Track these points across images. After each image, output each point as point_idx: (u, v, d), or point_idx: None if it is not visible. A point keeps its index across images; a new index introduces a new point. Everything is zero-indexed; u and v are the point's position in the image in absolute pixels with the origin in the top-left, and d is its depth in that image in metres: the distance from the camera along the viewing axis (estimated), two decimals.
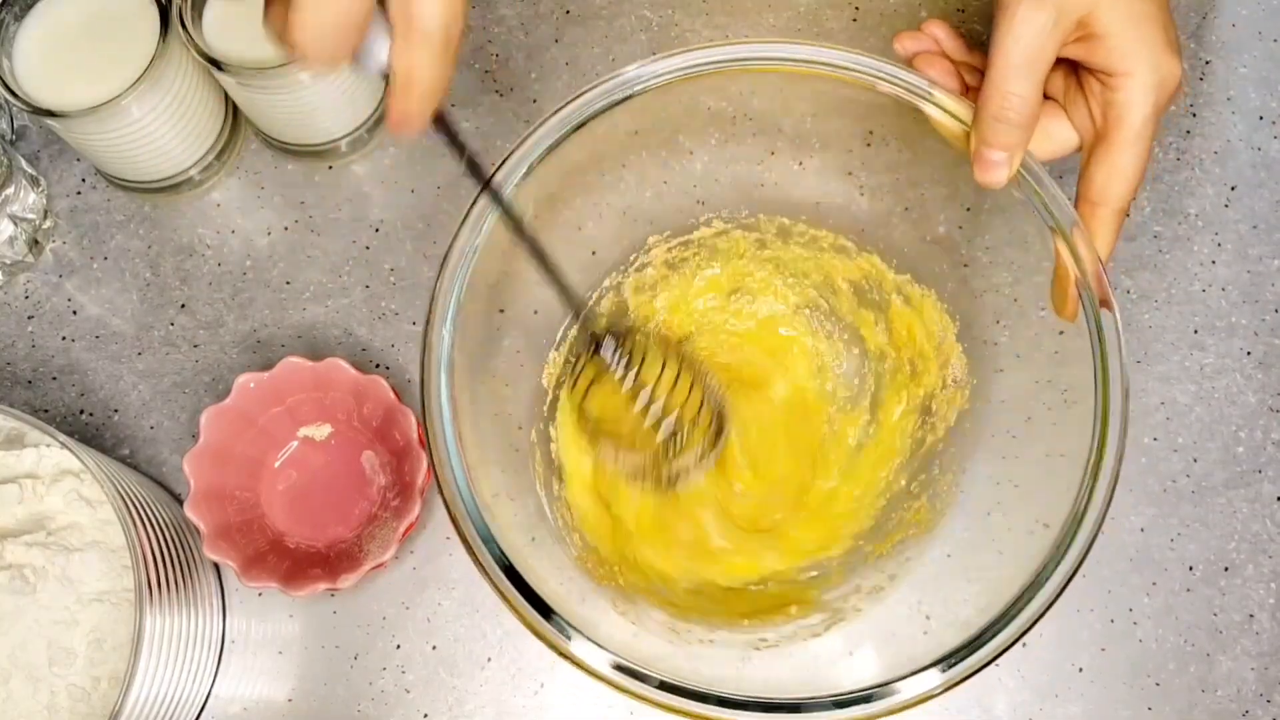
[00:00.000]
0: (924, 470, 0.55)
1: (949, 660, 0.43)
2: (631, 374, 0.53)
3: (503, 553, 0.43)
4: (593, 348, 0.53)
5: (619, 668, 0.42)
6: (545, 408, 0.55)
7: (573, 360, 0.55)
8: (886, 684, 0.43)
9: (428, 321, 0.46)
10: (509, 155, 0.48)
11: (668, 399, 0.53)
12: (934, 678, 0.42)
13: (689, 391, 0.53)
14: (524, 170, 0.48)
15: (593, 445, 0.55)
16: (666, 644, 0.49)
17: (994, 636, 0.43)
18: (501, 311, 0.51)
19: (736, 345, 0.61)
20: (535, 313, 0.54)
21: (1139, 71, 0.47)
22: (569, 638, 0.43)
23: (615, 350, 0.53)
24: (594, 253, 0.57)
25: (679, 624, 0.51)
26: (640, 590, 0.53)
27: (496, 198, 0.46)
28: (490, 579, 0.43)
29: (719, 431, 0.54)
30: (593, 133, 0.49)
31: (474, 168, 0.45)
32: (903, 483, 0.55)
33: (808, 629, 0.50)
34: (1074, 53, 0.48)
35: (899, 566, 0.52)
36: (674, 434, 0.53)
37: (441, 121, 0.41)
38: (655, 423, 0.53)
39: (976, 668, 0.42)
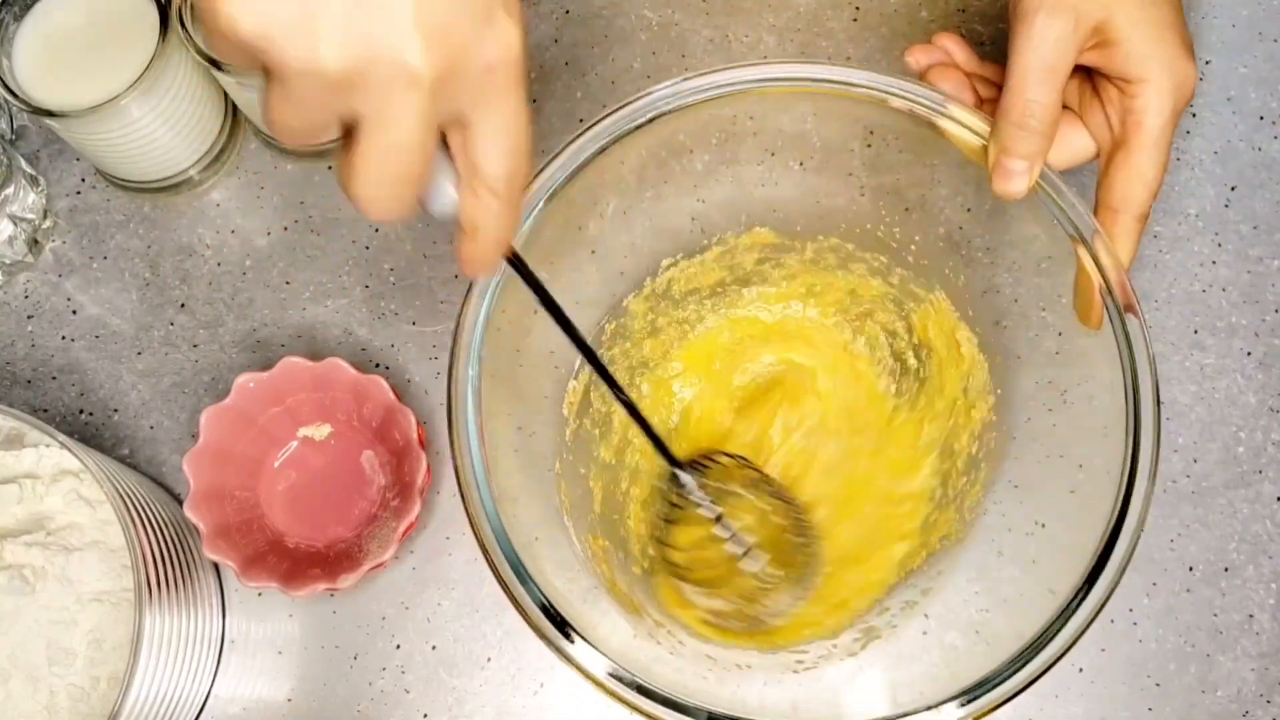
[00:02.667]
0: (953, 481, 0.55)
1: (969, 694, 0.42)
2: (717, 510, 0.52)
3: (517, 557, 0.43)
4: (674, 481, 0.52)
5: (616, 676, 0.42)
6: (567, 436, 0.55)
7: (662, 502, 0.54)
8: (899, 717, 0.42)
9: (454, 342, 0.46)
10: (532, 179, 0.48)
11: (756, 532, 0.51)
12: (951, 713, 0.42)
13: (777, 521, 0.52)
14: (547, 196, 0.48)
15: (679, 583, 0.53)
16: (667, 653, 0.49)
17: (1020, 669, 0.42)
18: (518, 350, 0.51)
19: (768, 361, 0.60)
20: (551, 352, 0.54)
21: (1156, 77, 0.47)
22: (570, 639, 0.43)
23: (698, 485, 0.52)
24: (622, 273, 0.57)
25: (718, 649, 0.50)
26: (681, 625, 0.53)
27: (586, 350, 0.45)
28: (515, 600, 0.43)
29: (809, 563, 0.53)
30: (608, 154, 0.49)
31: (548, 304, 0.43)
32: (935, 493, 0.55)
33: (844, 648, 0.50)
34: (1090, 60, 0.48)
35: (931, 580, 0.51)
36: (762, 568, 0.52)
37: (514, 260, 0.41)
38: (743, 555, 0.52)
39: (997, 703, 0.42)
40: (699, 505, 0.52)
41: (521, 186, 0.38)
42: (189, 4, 0.57)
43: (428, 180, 0.37)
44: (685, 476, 0.52)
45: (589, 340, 0.56)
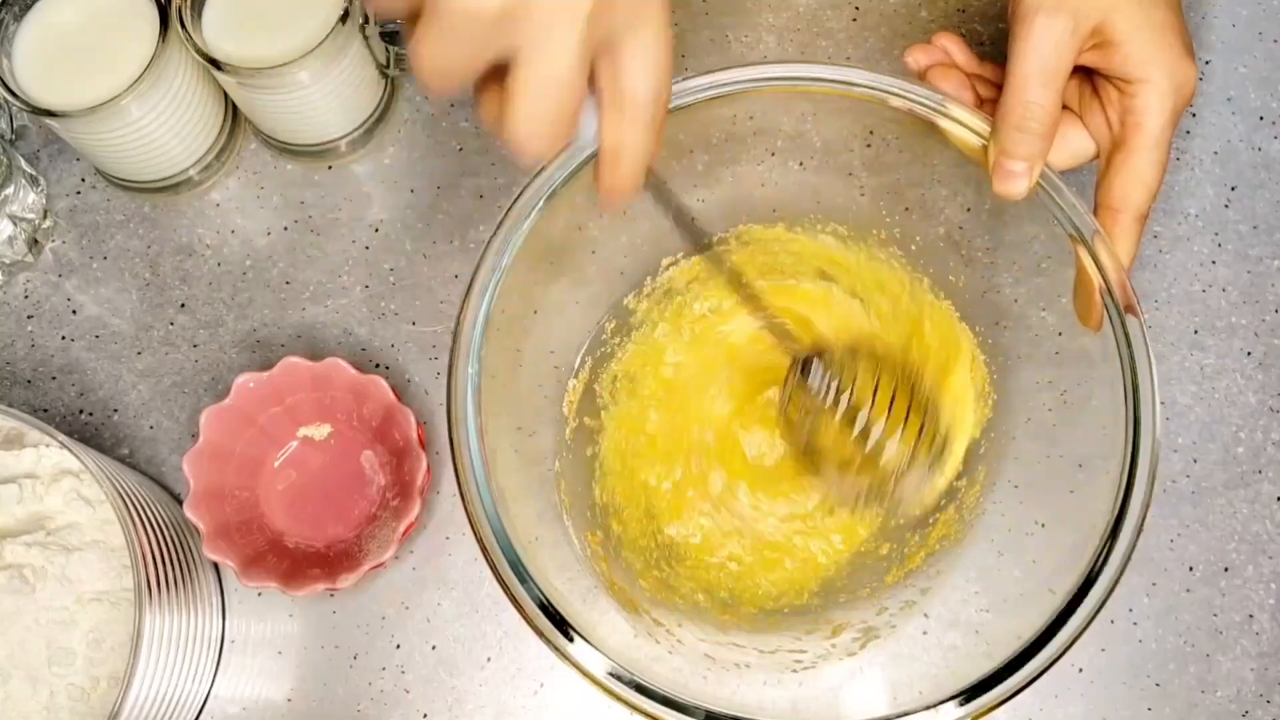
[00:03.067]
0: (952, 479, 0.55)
1: (968, 694, 0.42)
2: (845, 397, 0.50)
3: (517, 556, 0.43)
4: (798, 374, 0.51)
5: (616, 675, 0.42)
6: (567, 436, 0.55)
7: (784, 393, 0.53)
8: (898, 717, 0.42)
9: (454, 339, 0.46)
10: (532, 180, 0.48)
11: (886, 417, 0.50)
12: (950, 712, 0.42)
13: (904, 401, 0.51)
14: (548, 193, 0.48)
15: (815, 479, 0.53)
16: (667, 652, 0.49)
17: (1019, 669, 0.42)
18: (518, 350, 0.51)
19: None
20: (551, 352, 0.54)
21: (1156, 77, 0.47)
22: (570, 639, 0.43)
23: (823, 374, 0.50)
24: (622, 273, 0.57)
25: (717, 648, 0.50)
26: (682, 612, 0.53)
27: (712, 253, 0.45)
28: (516, 601, 0.43)
29: (941, 438, 0.52)
30: None
31: (683, 222, 0.43)
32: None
33: (843, 648, 0.50)
34: (1090, 60, 0.48)
35: (931, 580, 0.51)
36: (895, 450, 0.51)
37: (652, 181, 0.40)
38: (878, 444, 0.50)
39: (996, 703, 0.42)
40: (828, 397, 0.50)
41: (664, 111, 0.38)
42: (189, 3, 0.57)
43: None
44: (814, 369, 0.50)
45: (591, 339, 0.56)
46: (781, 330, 0.50)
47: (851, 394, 0.50)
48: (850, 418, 0.50)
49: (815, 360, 0.50)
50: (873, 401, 0.50)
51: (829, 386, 0.50)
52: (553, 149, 0.36)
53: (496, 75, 0.35)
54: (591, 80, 0.37)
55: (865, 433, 0.50)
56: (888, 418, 0.50)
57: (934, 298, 0.56)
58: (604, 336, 0.56)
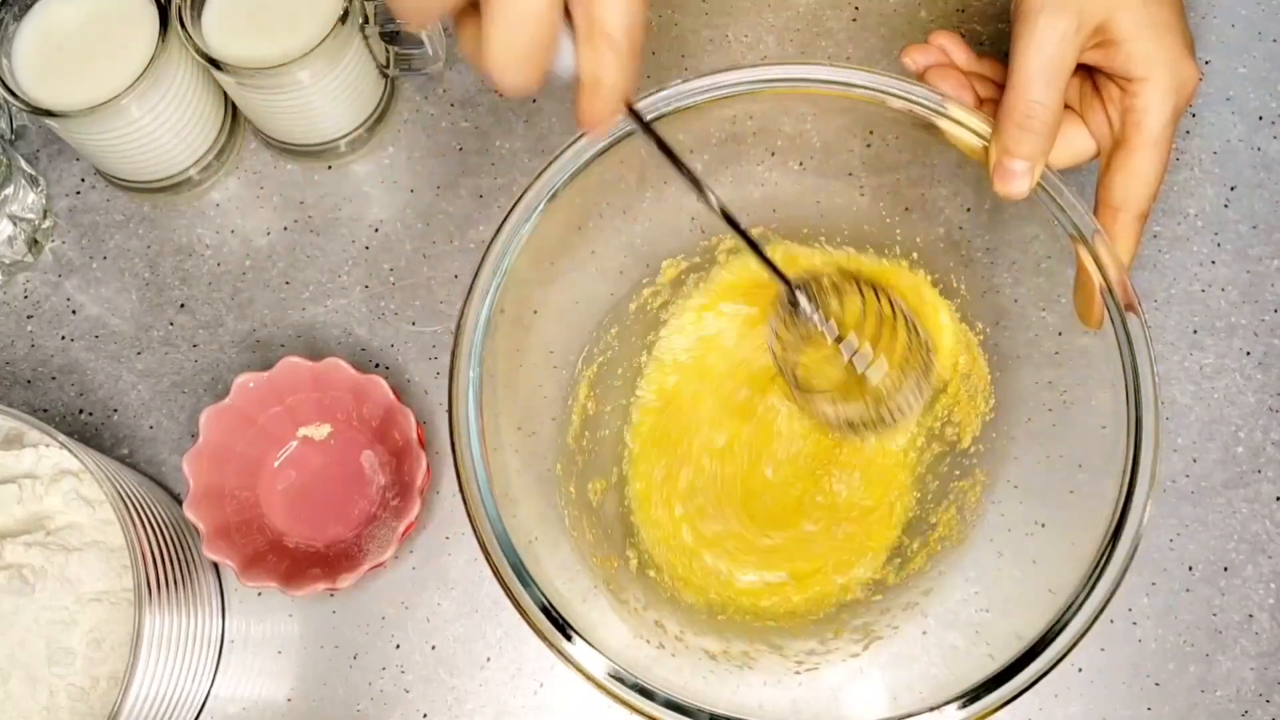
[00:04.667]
0: (952, 479, 0.55)
1: (969, 696, 0.42)
2: (832, 323, 0.51)
3: (519, 558, 0.43)
4: (788, 304, 0.51)
5: (616, 677, 0.42)
6: (569, 436, 0.55)
7: (774, 325, 0.53)
8: (899, 719, 0.42)
9: (457, 335, 0.46)
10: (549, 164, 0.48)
11: (873, 339, 0.51)
12: (951, 714, 0.42)
13: (889, 325, 0.51)
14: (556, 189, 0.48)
15: (806, 406, 0.54)
16: (669, 654, 0.49)
17: (1020, 670, 0.42)
18: (519, 350, 0.51)
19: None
20: (551, 352, 0.54)
21: (1157, 76, 0.47)
22: (570, 639, 0.43)
23: (810, 302, 0.51)
24: (621, 272, 0.57)
25: (718, 649, 0.50)
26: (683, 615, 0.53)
27: (702, 189, 0.45)
28: (517, 602, 0.43)
29: (924, 356, 0.53)
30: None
31: (666, 151, 0.44)
32: (931, 489, 0.55)
33: (845, 649, 0.50)
34: (1092, 59, 0.48)
35: (932, 581, 0.51)
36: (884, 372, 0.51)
37: (632, 112, 0.42)
38: (866, 367, 0.51)
39: (998, 705, 0.42)
40: (817, 326, 0.51)
41: (639, 39, 0.38)
42: (189, 3, 0.57)
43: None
44: (802, 300, 0.50)
45: (593, 338, 0.56)
46: (769, 261, 0.50)
47: (839, 320, 0.51)
48: (839, 341, 0.51)
49: (802, 289, 0.51)
50: (862, 326, 0.51)
51: (817, 313, 0.51)
52: (529, 80, 0.37)
53: (475, 7, 0.36)
54: (569, 12, 0.38)
55: (856, 353, 0.50)
56: (876, 341, 0.50)
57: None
58: (605, 337, 0.56)
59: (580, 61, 0.38)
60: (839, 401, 0.52)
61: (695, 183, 0.45)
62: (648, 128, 0.43)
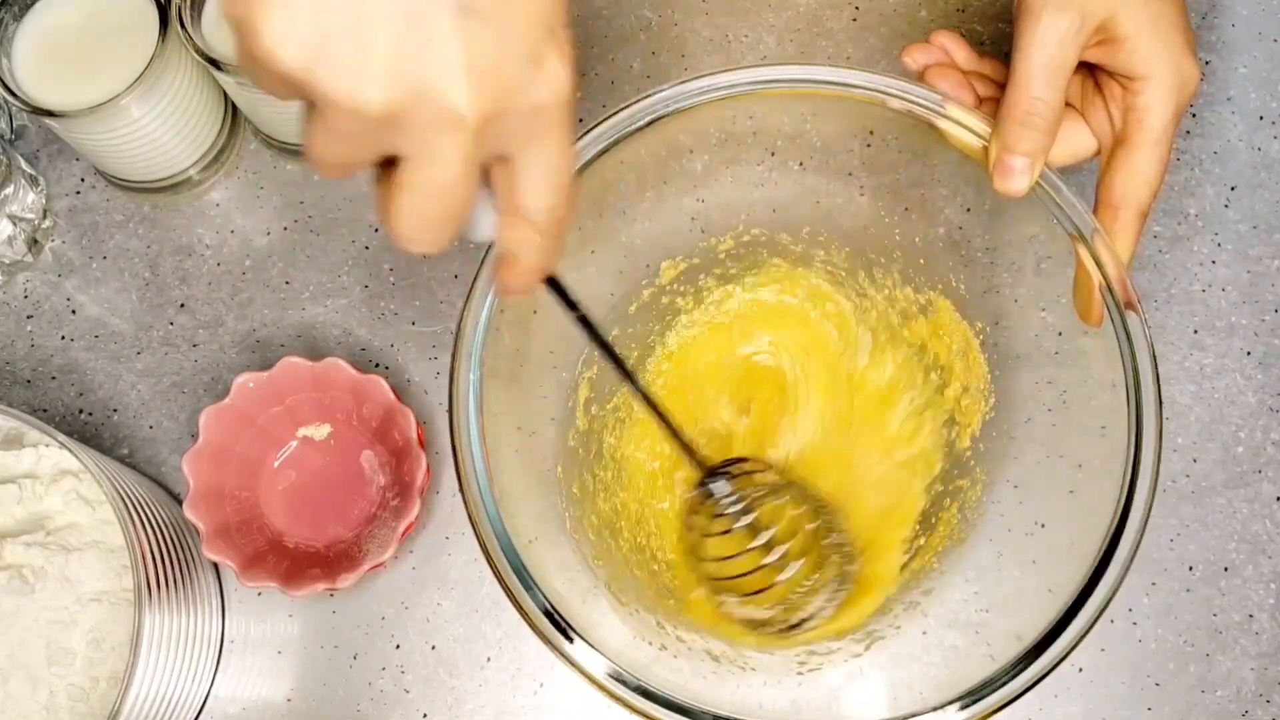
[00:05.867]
0: (952, 479, 0.55)
1: (970, 697, 0.42)
2: (748, 517, 0.51)
3: (520, 560, 0.43)
4: (703, 489, 0.52)
5: (617, 677, 0.42)
6: (570, 438, 0.55)
7: (691, 506, 0.54)
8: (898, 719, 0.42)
9: (456, 341, 0.46)
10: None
11: (789, 539, 0.51)
12: (952, 715, 0.42)
13: (807, 527, 0.52)
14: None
15: (710, 594, 0.53)
16: (671, 655, 0.49)
17: (1021, 671, 0.42)
18: (518, 350, 0.51)
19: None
20: (551, 352, 0.54)
21: (1159, 74, 0.47)
22: (570, 639, 0.43)
23: (729, 493, 0.52)
24: (621, 272, 0.57)
25: (720, 648, 0.50)
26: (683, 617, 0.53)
27: (622, 368, 0.45)
28: (517, 601, 0.43)
29: (843, 563, 0.53)
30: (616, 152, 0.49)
31: (586, 325, 0.43)
32: (936, 490, 0.55)
33: (847, 650, 0.50)
34: (1094, 56, 0.48)
35: (934, 581, 0.51)
36: (795, 574, 0.52)
37: (553, 284, 0.40)
38: (777, 564, 0.51)
39: (998, 706, 0.42)
40: (731, 514, 0.51)
41: (562, 220, 0.37)
42: (189, 3, 0.57)
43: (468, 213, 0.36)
44: (718, 485, 0.51)
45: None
46: (690, 449, 0.50)
47: (756, 515, 0.51)
48: (753, 532, 0.51)
49: (721, 479, 0.52)
50: (780, 520, 0.51)
51: (733, 502, 0.51)
52: (435, 246, 0.35)
53: (393, 163, 0.34)
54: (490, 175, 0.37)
55: (767, 548, 0.51)
56: (791, 539, 0.51)
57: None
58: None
59: (499, 233, 0.37)
60: (746, 600, 0.52)
61: (608, 351, 0.44)
62: (569, 303, 0.42)
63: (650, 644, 0.49)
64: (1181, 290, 0.62)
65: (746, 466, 0.54)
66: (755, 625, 0.52)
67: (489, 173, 0.36)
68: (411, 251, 0.35)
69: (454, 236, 0.36)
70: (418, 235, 0.35)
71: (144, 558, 0.48)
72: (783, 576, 0.51)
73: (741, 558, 0.51)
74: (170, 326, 0.63)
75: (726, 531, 0.52)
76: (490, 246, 0.48)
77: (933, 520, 0.54)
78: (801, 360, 0.59)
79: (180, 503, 0.56)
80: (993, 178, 0.47)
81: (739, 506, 0.52)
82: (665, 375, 0.59)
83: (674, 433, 0.49)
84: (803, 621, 0.52)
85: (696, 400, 0.58)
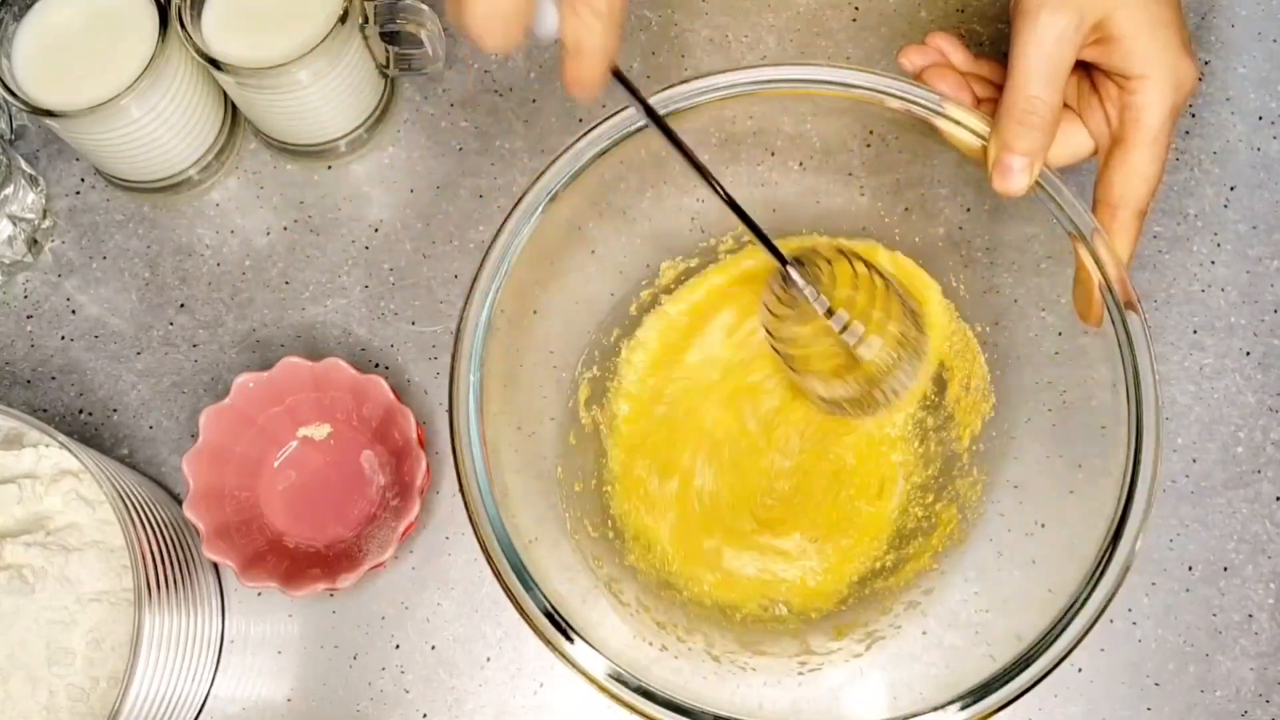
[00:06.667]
0: (948, 479, 0.55)
1: (970, 697, 0.42)
2: (823, 297, 0.50)
3: (520, 560, 0.43)
4: (780, 280, 0.51)
5: (617, 677, 0.42)
6: (570, 438, 0.55)
7: (768, 301, 0.53)
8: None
9: (456, 342, 0.46)
10: (554, 159, 0.49)
11: (866, 317, 0.51)
12: (952, 716, 0.42)
13: (881, 301, 0.51)
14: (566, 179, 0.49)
15: (800, 384, 0.54)
16: (671, 656, 0.49)
17: (1021, 671, 0.42)
18: (518, 351, 0.51)
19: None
20: (551, 352, 0.54)
21: (1156, 73, 0.47)
22: (570, 640, 0.43)
23: (804, 278, 0.50)
24: (621, 272, 0.57)
25: (720, 649, 0.50)
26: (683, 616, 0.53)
27: (695, 163, 0.46)
28: (516, 600, 0.43)
29: (919, 338, 0.52)
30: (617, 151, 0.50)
31: (652, 115, 0.45)
32: (931, 493, 0.55)
33: (848, 649, 0.50)
34: (1091, 56, 0.48)
35: (935, 580, 0.52)
36: (878, 350, 0.51)
37: (618, 76, 0.42)
38: (857, 344, 0.50)
39: (998, 706, 0.42)
40: (810, 300, 0.50)
41: (622, 6, 0.39)
42: (189, 3, 0.57)
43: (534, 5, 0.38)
44: (794, 274, 0.50)
45: (592, 341, 0.56)
46: (765, 237, 0.50)
47: (830, 294, 0.51)
48: (830, 315, 0.51)
49: (795, 264, 0.51)
50: (854, 301, 0.51)
51: (809, 286, 0.51)
52: (508, 42, 0.38)
53: None
54: None
55: (847, 328, 0.50)
56: (869, 317, 0.50)
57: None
58: (606, 339, 0.57)
59: (563, 26, 0.39)
60: (831, 380, 0.52)
61: (679, 145, 0.45)
62: (634, 92, 0.43)
63: (650, 644, 0.49)
64: (1181, 290, 0.62)
65: (817, 256, 0.53)
66: (839, 405, 0.53)
67: None
68: (485, 49, 0.38)
69: (524, 30, 0.38)
70: (488, 30, 0.37)
71: (144, 558, 0.48)
72: (864, 354, 0.51)
73: (821, 342, 0.51)
74: (170, 326, 0.63)
75: (804, 321, 0.52)
76: (489, 247, 0.48)
77: (932, 519, 0.54)
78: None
79: (180, 503, 0.56)
80: (992, 177, 0.47)
81: (815, 293, 0.50)
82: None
83: (753, 225, 0.48)
84: (887, 398, 0.52)
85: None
